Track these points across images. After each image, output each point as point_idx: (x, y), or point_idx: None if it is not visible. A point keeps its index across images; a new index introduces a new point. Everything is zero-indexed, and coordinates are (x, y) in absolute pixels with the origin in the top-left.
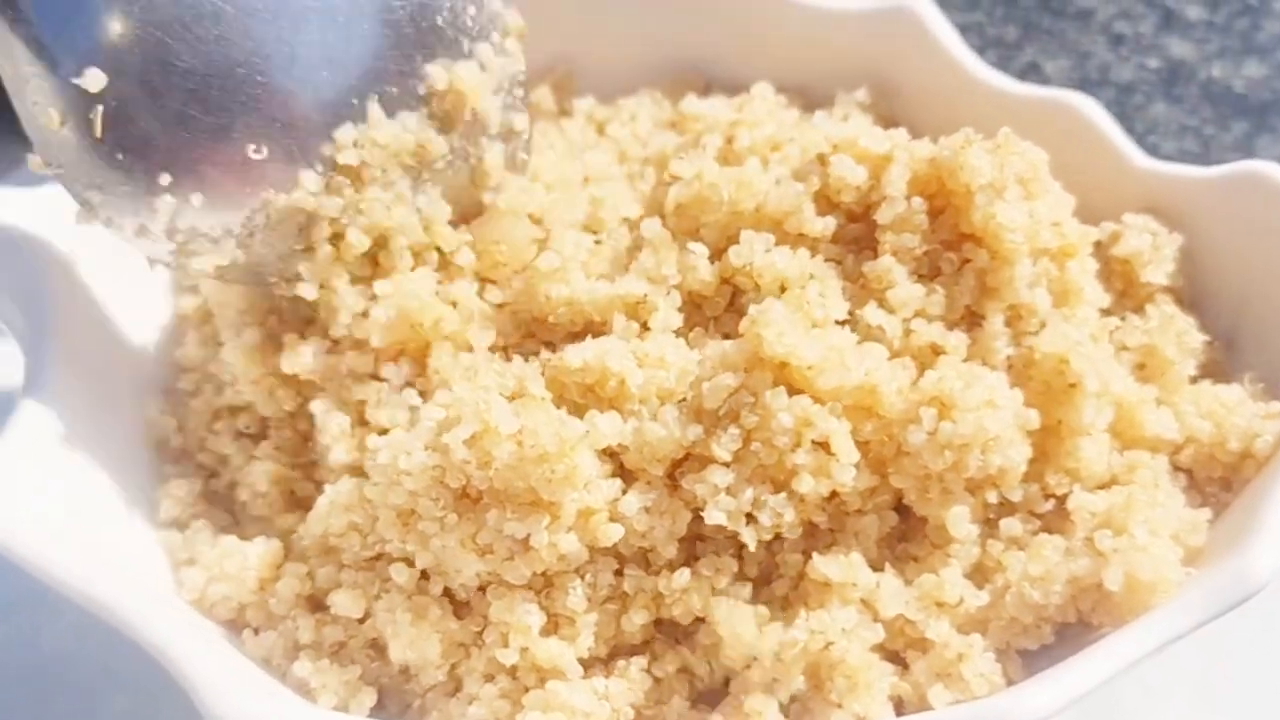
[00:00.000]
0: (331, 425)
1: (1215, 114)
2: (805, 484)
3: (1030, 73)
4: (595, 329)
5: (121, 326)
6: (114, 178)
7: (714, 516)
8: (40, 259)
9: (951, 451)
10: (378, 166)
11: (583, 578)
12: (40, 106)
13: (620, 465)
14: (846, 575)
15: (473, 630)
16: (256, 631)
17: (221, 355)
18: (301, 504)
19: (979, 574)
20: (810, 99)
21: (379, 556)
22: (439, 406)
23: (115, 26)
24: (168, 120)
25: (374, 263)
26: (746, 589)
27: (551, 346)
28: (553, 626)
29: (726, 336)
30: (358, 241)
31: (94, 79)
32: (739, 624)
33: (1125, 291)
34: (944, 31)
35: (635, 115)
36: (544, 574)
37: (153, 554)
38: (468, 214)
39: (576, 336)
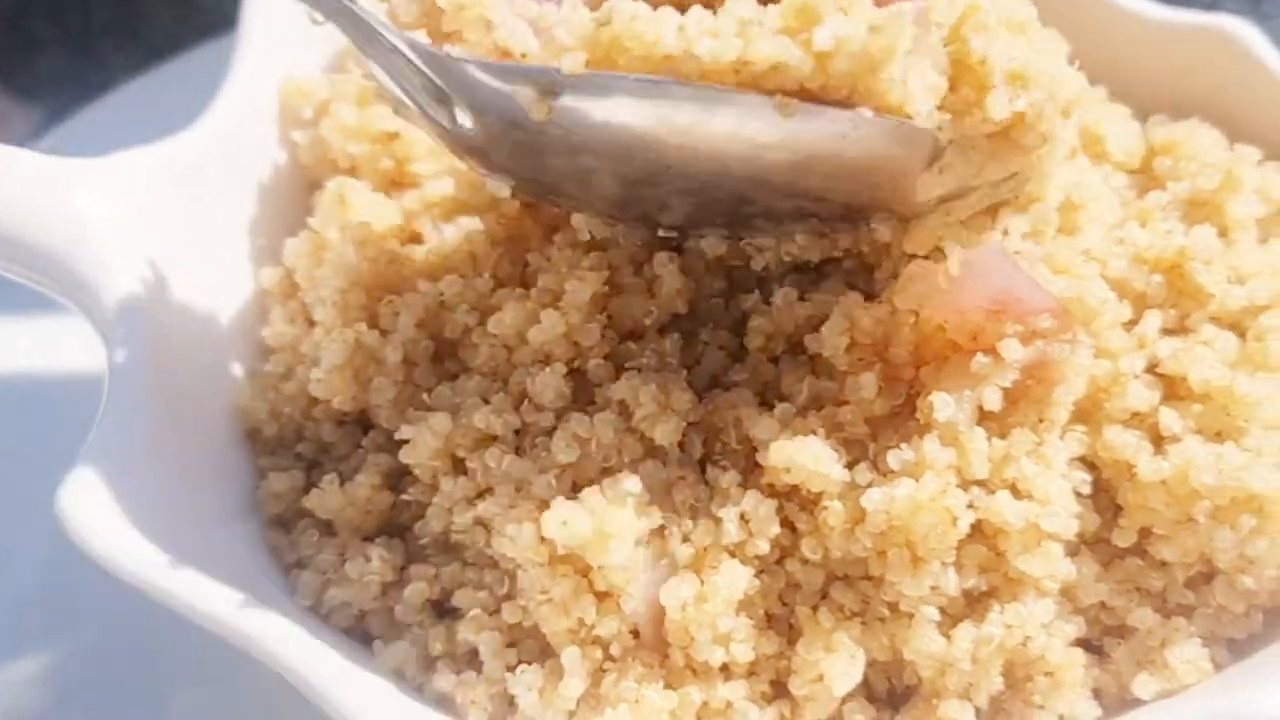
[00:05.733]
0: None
1: None
2: None
3: None
4: None
5: (201, 305)
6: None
7: None
8: (108, 237)
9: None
10: None
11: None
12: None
13: None
14: (1045, 568)
15: None
16: (385, 641)
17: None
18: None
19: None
20: None
21: None
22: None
23: None
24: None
25: None
26: None
27: None
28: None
29: None
30: None
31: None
32: (921, 641)
33: None
34: None
35: None
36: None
37: (259, 557)
38: None
39: None
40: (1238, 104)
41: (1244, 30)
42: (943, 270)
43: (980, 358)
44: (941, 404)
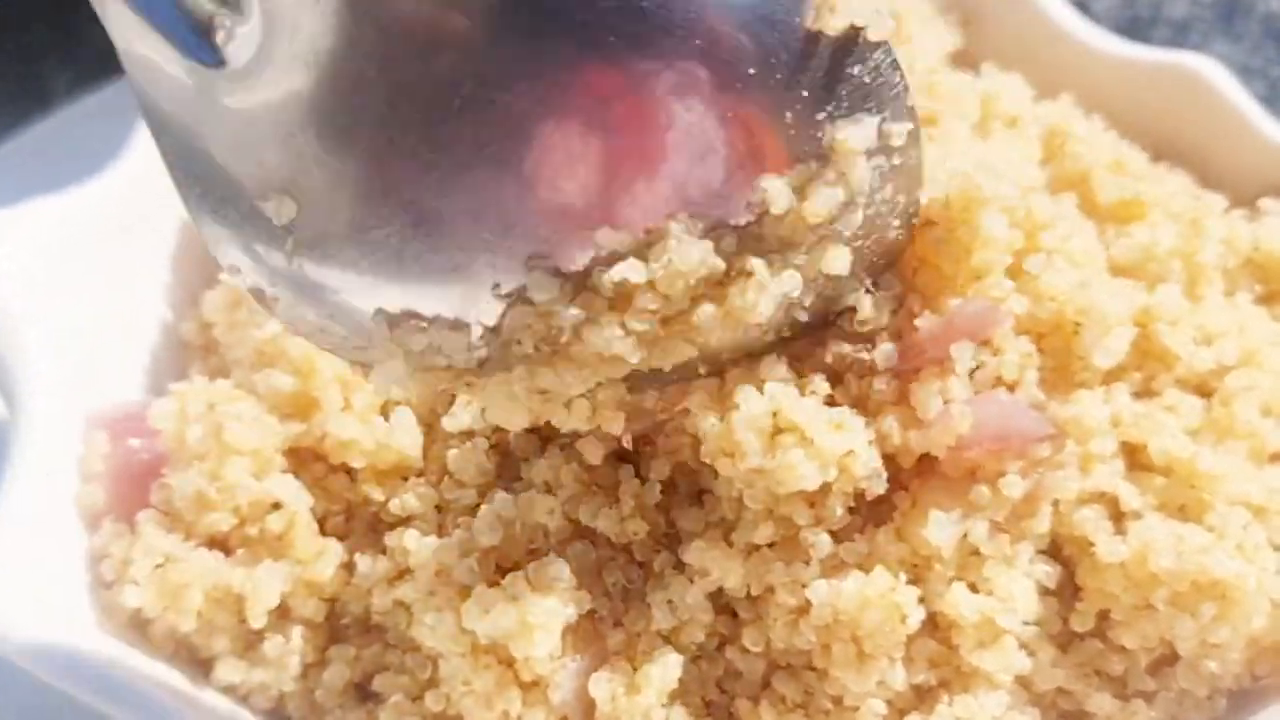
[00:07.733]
0: None
1: None
2: None
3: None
4: None
5: (117, 362)
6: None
7: None
8: (15, 297)
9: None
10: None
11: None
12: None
13: None
14: (1000, 663)
15: None
16: None
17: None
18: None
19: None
20: None
21: None
22: None
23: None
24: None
25: None
26: None
27: None
28: None
29: None
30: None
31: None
32: None
33: (1268, 286)
34: None
35: None
36: None
37: None
38: None
39: None
40: (1205, 143)
41: (1209, 68)
42: (948, 425)
43: (982, 490)
44: (937, 526)
